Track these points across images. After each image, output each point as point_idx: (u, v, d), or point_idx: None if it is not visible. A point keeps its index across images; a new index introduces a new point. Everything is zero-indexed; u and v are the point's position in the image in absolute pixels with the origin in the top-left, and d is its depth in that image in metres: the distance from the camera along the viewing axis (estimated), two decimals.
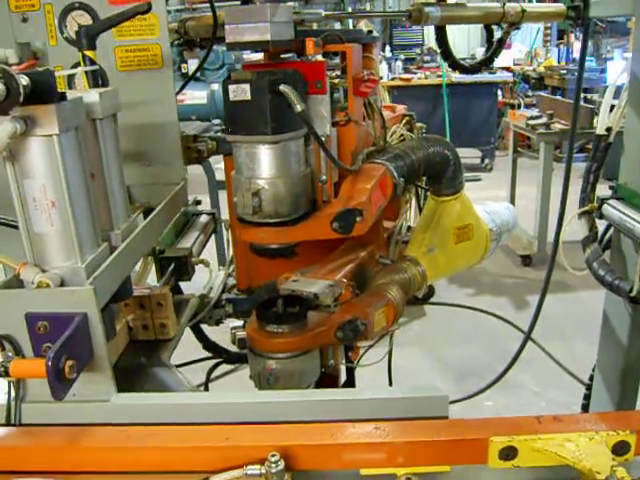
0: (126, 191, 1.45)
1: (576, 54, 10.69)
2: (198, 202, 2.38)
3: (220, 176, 4.73)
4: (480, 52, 9.76)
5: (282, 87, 1.43)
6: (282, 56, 1.74)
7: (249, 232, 1.60)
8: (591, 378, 2.58)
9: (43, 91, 1.06)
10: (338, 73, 1.77)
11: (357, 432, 1.09)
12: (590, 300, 4.29)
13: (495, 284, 5.57)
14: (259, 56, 1.80)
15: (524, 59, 11.41)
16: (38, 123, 1.08)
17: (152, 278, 1.95)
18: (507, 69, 10.39)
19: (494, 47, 2.32)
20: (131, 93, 1.73)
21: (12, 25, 1.71)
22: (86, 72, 1.35)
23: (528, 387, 4.02)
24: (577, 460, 0.99)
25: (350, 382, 2.10)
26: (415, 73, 9.38)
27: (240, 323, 2.15)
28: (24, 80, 1.02)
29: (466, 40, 12.16)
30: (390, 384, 2.47)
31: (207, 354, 2.38)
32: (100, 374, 1.18)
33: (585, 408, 2.62)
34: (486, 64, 2.39)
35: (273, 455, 1.00)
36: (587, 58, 10.53)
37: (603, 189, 2.26)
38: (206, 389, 2.36)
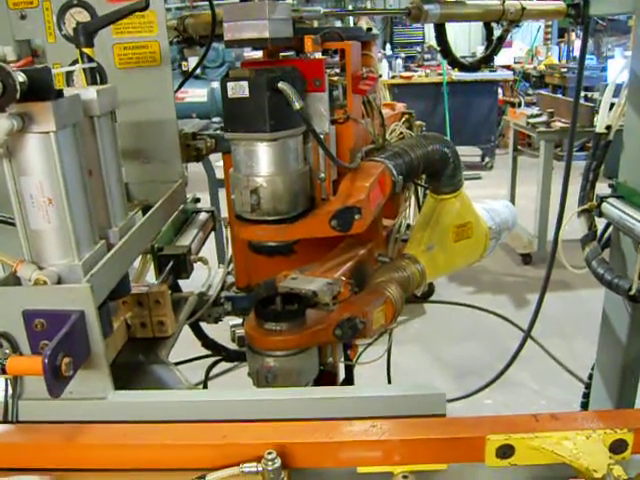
0: (124, 188, 1.45)
1: (577, 52, 10.66)
2: (197, 200, 2.37)
3: (220, 174, 4.73)
4: (481, 50, 9.76)
5: (280, 84, 1.43)
6: (282, 54, 1.74)
7: (247, 230, 1.60)
8: (590, 376, 2.58)
9: (40, 88, 1.05)
10: (337, 71, 1.77)
11: (354, 430, 1.09)
12: (590, 298, 4.30)
13: (495, 282, 5.57)
14: (260, 54, 1.80)
15: (525, 57, 11.40)
16: (35, 120, 1.07)
17: (151, 276, 1.95)
18: (508, 67, 10.39)
19: (494, 45, 2.32)
20: (129, 90, 1.72)
21: (10, 22, 1.70)
22: (84, 69, 1.35)
23: (527, 385, 4.02)
24: (574, 458, 0.99)
25: (349, 380, 2.11)
26: (416, 71, 9.38)
27: (239, 321, 2.16)
28: (21, 77, 1.01)
29: (467, 38, 12.15)
30: (389, 382, 2.47)
31: (206, 352, 2.38)
32: (97, 372, 1.18)
33: (584, 406, 2.62)
34: (486, 62, 2.39)
35: (270, 453, 1.00)
36: (588, 56, 10.53)
37: (603, 187, 2.26)
38: (205, 387, 2.36)
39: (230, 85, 1.46)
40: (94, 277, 1.16)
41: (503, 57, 10.54)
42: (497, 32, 2.38)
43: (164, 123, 1.80)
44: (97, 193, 1.33)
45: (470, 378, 4.02)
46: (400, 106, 2.56)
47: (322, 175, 1.63)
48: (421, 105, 8.37)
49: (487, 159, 9.32)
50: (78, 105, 1.19)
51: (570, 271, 2.23)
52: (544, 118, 5.55)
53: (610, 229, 2.29)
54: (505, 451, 1.03)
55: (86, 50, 1.34)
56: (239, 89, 1.45)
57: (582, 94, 6.59)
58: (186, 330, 2.13)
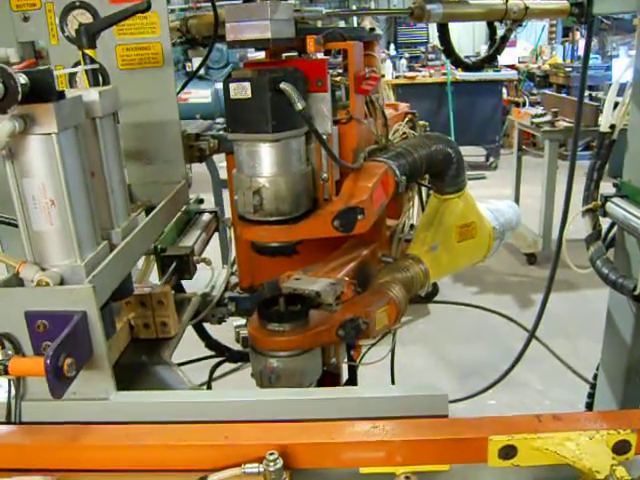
0: (126, 189, 1.45)
1: (581, 52, 10.63)
2: (200, 201, 2.38)
3: (224, 174, 4.74)
4: (485, 49, 9.73)
5: (282, 85, 1.43)
6: (285, 54, 1.74)
7: (250, 230, 1.60)
8: (595, 377, 2.57)
9: (42, 90, 1.06)
10: (340, 71, 1.77)
11: (356, 431, 1.09)
12: (595, 298, 4.28)
13: (499, 282, 5.56)
14: (264, 54, 1.80)
15: (529, 57, 11.38)
16: (37, 122, 1.08)
17: (155, 277, 1.95)
18: (512, 67, 10.36)
19: (497, 44, 2.31)
20: (132, 91, 1.73)
21: (13, 24, 1.71)
22: (86, 71, 1.35)
23: (532, 386, 4.01)
24: (577, 459, 0.99)
25: (352, 380, 2.10)
26: (420, 71, 9.37)
27: (244, 321, 2.15)
28: (23, 79, 1.02)
29: (471, 37, 12.12)
30: (393, 382, 2.47)
31: (210, 353, 2.38)
32: (100, 372, 1.18)
33: (589, 407, 2.61)
34: (489, 61, 2.38)
35: (271, 453, 1.00)
36: (592, 56, 10.50)
37: (608, 187, 2.25)
38: (209, 388, 2.36)
39: (232, 86, 1.46)
40: (96, 278, 1.16)
41: (507, 57, 10.52)
42: (501, 32, 2.38)
43: (167, 124, 1.81)
44: (99, 194, 1.33)
45: (474, 378, 4.01)
46: (403, 106, 2.56)
47: (325, 175, 1.63)
48: (425, 105, 8.37)
49: (491, 159, 9.30)
50: (80, 107, 1.19)
51: (575, 271, 2.22)
52: (548, 118, 5.53)
53: (615, 229, 2.28)
54: (508, 452, 1.03)
55: (88, 51, 1.34)
56: (241, 90, 1.45)
57: (586, 93, 6.57)
58: (190, 331, 2.14)
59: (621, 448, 1.02)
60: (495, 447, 1.02)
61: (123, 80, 1.73)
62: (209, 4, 1.94)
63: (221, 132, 2.17)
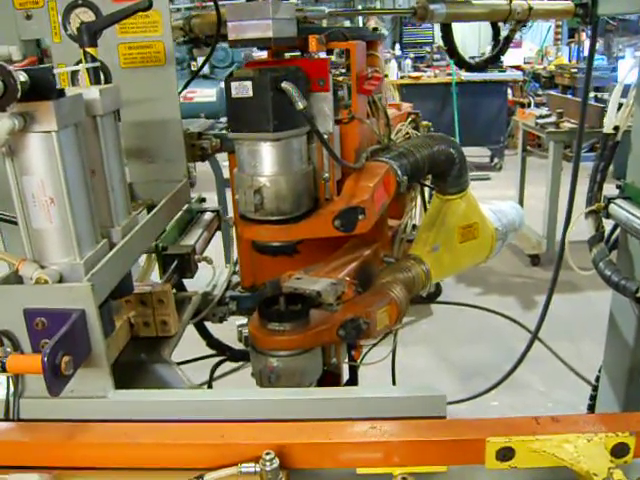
0: (127, 188, 1.45)
1: (587, 52, 10.61)
2: (203, 199, 2.38)
3: (227, 174, 4.74)
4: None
5: (284, 84, 1.43)
6: (289, 54, 1.74)
7: (251, 229, 1.60)
8: (597, 379, 2.57)
9: (42, 88, 1.06)
10: (343, 70, 1.77)
11: (353, 431, 1.08)
12: (599, 300, 4.26)
13: (503, 283, 5.55)
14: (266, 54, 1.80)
15: (535, 57, 11.35)
16: (37, 119, 1.08)
17: (156, 275, 1.95)
18: (517, 67, 10.34)
19: (500, 45, 2.31)
20: (134, 90, 1.74)
21: (16, 22, 1.71)
22: (87, 69, 1.35)
23: (535, 387, 4.00)
24: (575, 462, 0.98)
25: (353, 381, 2.10)
26: (425, 71, 9.36)
27: (247, 320, 2.15)
28: (22, 77, 1.02)
29: (477, 38, 12.09)
30: (394, 383, 2.46)
31: (211, 352, 2.38)
32: (98, 370, 1.18)
33: (591, 409, 2.60)
34: (492, 62, 2.38)
35: (268, 453, 0.99)
36: (598, 57, 10.47)
37: (614, 188, 2.24)
38: (210, 387, 2.36)
39: (234, 85, 1.46)
40: (95, 276, 1.17)
41: (513, 57, 10.49)
42: (505, 32, 2.38)
43: (168, 123, 1.81)
44: (100, 192, 1.33)
45: (477, 379, 4.00)
46: (406, 106, 2.55)
47: (326, 175, 1.63)
48: (430, 105, 8.35)
49: (496, 160, 9.29)
50: (80, 105, 1.19)
51: (578, 272, 2.21)
52: (553, 119, 5.51)
53: (618, 230, 2.27)
54: (505, 454, 1.02)
55: (89, 50, 1.34)
56: (243, 89, 1.46)
57: (592, 94, 6.56)
58: (191, 330, 2.14)
59: (620, 451, 1.02)
60: (493, 449, 1.02)
61: (125, 78, 1.73)
62: (223, 2, 1.93)
63: (223, 131, 2.17)
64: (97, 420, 1.18)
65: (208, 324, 2.22)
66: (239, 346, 2.16)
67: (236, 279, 2.22)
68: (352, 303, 1.66)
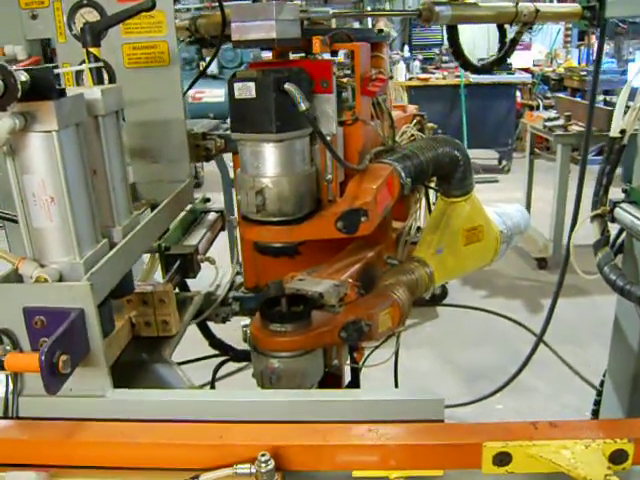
0: (129, 188, 1.46)
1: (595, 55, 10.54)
2: (207, 200, 2.38)
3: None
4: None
5: (287, 86, 1.43)
6: (295, 55, 1.74)
7: (253, 230, 1.60)
8: (602, 384, 2.55)
9: (42, 87, 1.06)
10: (348, 72, 1.76)
11: (350, 434, 1.08)
12: (605, 304, 4.24)
13: (509, 286, 5.53)
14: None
15: (544, 60, 11.30)
16: (37, 119, 1.08)
17: (159, 275, 1.95)
18: (526, 70, 10.30)
19: (506, 47, 2.30)
20: (138, 90, 1.74)
21: (22, 22, 1.72)
22: (90, 69, 1.36)
23: (540, 391, 3.98)
24: (572, 468, 0.98)
25: (354, 383, 2.10)
26: (433, 73, 9.34)
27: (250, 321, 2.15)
28: (23, 76, 1.02)
29: (486, 39, 12.06)
30: (396, 385, 2.45)
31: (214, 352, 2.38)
32: (96, 369, 1.18)
33: (595, 414, 2.59)
34: (498, 64, 2.37)
35: (263, 455, 0.99)
36: (608, 60, 10.40)
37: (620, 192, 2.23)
38: (212, 387, 2.36)
39: (237, 86, 1.46)
40: (94, 275, 1.17)
41: (522, 60, 10.45)
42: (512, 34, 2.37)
43: (172, 123, 1.81)
44: (101, 192, 1.33)
45: (482, 382, 3.99)
46: (412, 108, 2.55)
47: (329, 176, 1.63)
48: (438, 107, 8.34)
49: (504, 162, 9.25)
50: (81, 104, 1.20)
51: (583, 277, 2.20)
52: (561, 121, 5.49)
53: (623, 235, 2.26)
54: (502, 458, 1.02)
55: (92, 50, 1.35)
56: (246, 90, 1.46)
57: (601, 98, 6.51)
58: (195, 330, 2.14)
59: (618, 458, 1.01)
60: (489, 453, 1.01)
61: (129, 79, 1.73)
62: (226, 4, 1.93)
63: (228, 132, 2.17)
64: (96, 419, 1.18)
65: (212, 324, 2.23)
66: (243, 346, 2.16)
67: (240, 280, 2.22)
68: (354, 305, 1.66)
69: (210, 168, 5.39)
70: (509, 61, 9.15)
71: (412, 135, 2.35)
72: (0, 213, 1.34)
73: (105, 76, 1.59)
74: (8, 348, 1.14)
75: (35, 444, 1.12)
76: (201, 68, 8.68)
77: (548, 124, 5.53)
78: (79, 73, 1.67)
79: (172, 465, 1.08)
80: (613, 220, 2.19)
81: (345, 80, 1.74)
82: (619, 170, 2.21)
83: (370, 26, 8.17)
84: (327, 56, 1.75)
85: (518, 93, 9.43)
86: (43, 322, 1.11)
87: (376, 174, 1.69)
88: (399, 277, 1.86)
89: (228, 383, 3.42)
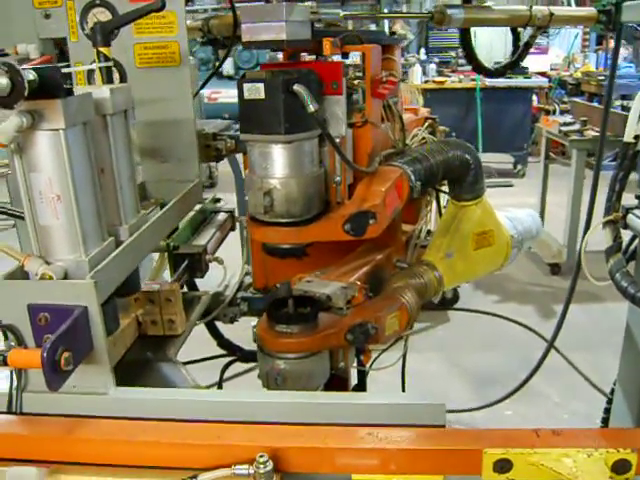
0: (136, 187, 1.46)
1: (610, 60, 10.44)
2: (217, 200, 2.39)
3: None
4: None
5: (295, 87, 1.43)
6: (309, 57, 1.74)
7: (260, 231, 1.60)
8: (612, 392, 2.52)
9: (50, 86, 1.07)
10: (358, 74, 1.76)
11: (350, 437, 1.08)
12: (618, 311, 4.20)
13: (521, 292, 5.49)
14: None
15: (561, 64, 11.21)
16: (45, 117, 1.09)
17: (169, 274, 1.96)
18: (543, 74, 10.22)
19: (520, 51, 2.28)
20: (149, 90, 1.75)
21: (35, 21, 1.73)
22: (100, 68, 1.37)
23: (551, 398, 3.94)
24: (573, 476, 0.97)
25: (361, 385, 2.09)
26: (449, 76, 9.30)
27: None
28: (31, 75, 1.03)
29: (504, 43, 12.00)
30: (403, 389, 2.45)
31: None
32: (99, 367, 1.19)
33: (605, 422, 2.56)
34: (511, 68, 2.35)
35: (261, 456, 0.99)
36: (627, 64, 10.30)
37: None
38: (220, 387, 2.36)
39: (246, 86, 1.46)
40: (99, 273, 1.17)
41: (539, 64, 10.38)
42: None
43: (182, 123, 1.81)
44: (108, 191, 1.34)
45: (492, 388, 3.96)
46: (424, 111, 2.54)
47: (337, 178, 1.62)
48: (454, 111, 8.31)
49: (519, 167, 9.19)
50: (89, 103, 1.20)
51: (595, 283, 2.18)
52: (577, 126, 5.44)
53: (636, 241, 2.23)
54: (503, 465, 1.01)
55: (103, 49, 1.36)
56: (255, 91, 1.46)
57: (619, 103, 6.45)
58: (204, 330, 2.15)
59: (621, 468, 1.00)
60: (490, 460, 1.00)
61: (140, 78, 1.74)
62: (242, 4, 1.94)
63: (238, 132, 2.17)
64: (98, 416, 1.19)
65: (220, 325, 2.23)
66: (251, 347, 2.16)
67: (249, 280, 2.22)
68: (361, 307, 1.66)
69: (225, 168, 5.39)
70: (525, 65, 9.10)
71: (423, 138, 2.34)
72: (8, 210, 1.35)
73: (116, 75, 1.61)
74: (13, 344, 1.15)
75: (37, 440, 1.13)
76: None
77: (564, 129, 5.48)
78: (91, 72, 1.68)
79: (171, 464, 1.08)
80: (626, 227, 2.17)
81: (356, 82, 1.74)
82: (635, 176, 2.19)
83: (387, 29, 8.17)
84: (338, 58, 1.74)
85: (535, 97, 9.36)
86: (47, 319, 1.12)
87: (385, 177, 1.68)
88: (408, 280, 1.86)
89: (236, 384, 3.43)
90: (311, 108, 1.42)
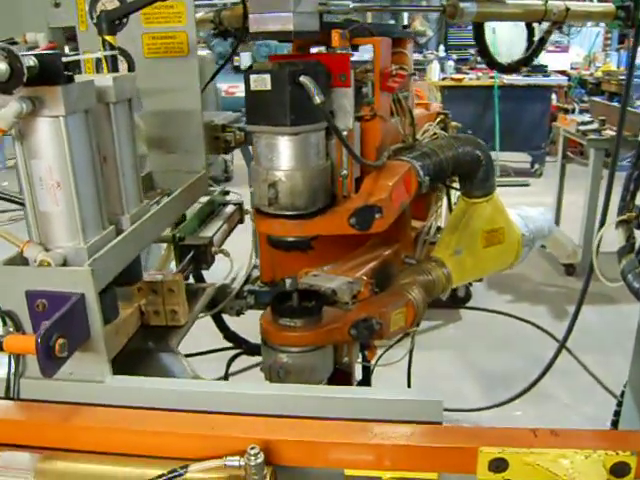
0: (139, 176, 1.46)
1: (637, 59, 10.30)
2: (226, 192, 2.38)
3: None
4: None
5: (302, 78, 1.42)
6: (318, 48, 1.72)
7: (265, 223, 1.59)
8: (622, 394, 2.49)
9: (51, 72, 1.07)
10: (368, 67, 1.74)
11: (343, 431, 1.07)
12: (632, 313, 4.14)
13: (535, 292, 5.43)
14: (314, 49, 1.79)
15: (582, 63, 11.07)
16: (45, 104, 1.09)
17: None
18: (563, 73, 10.10)
19: (534, 47, 2.25)
20: (157, 80, 1.75)
21: (45, 10, 1.74)
22: (105, 57, 1.36)
23: (561, 399, 3.90)
24: (569, 478, 0.95)
25: (365, 381, 2.08)
26: (467, 73, 9.23)
27: None
28: (32, 61, 1.03)
29: (524, 40, 11.86)
30: (409, 385, 2.43)
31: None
32: (96, 355, 1.19)
33: (615, 425, 2.52)
34: (525, 64, 2.32)
35: (252, 448, 0.99)
36: None
37: None
38: (225, 379, 2.36)
39: (253, 78, 1.45)
40: (97, 261, 1.17)
41: (559, 62, 10.27)
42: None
43: (189, 113, 1.81)
44: (111, 179, 1.34)
45: (502, 388, 3.92)
46: (435, 106, 2.52)
47: (344, 172, 1.61)
48: (471, 108, 8.24)
49: (537, 166, 9.08)
50: (90, 91, 1.20)
51: (607, 284, 2.14)
52: (595, 125, 5.36)
53: None
54: (498, 465, 0.99)
55: (108, 38, 1.35)
56: (261, 82, 1.45)
57: (639, 102, 6.35)
58: (210, 322, 2.15)
59: (619, 470, 0.97)
60: (485, 459, 0.99)
61: (148, 68, 1.74)
62: None
63: None
64: (93, 404, 1.19)
65: (231, 318, 2.23)
66: (258, 340, 2.16)
67: (256, 273, 2.22)
68: (367, 303, 1.65)
69: (240, 162, 5.38)
70: (545, 63, 8.98)
71: (434, 133, 2.32)
72: (8, 196, 1.35)
73: (124, 65, 1.61)
74: (11, 330, 1.15)
75: (33, 426, 1.14)
76: (235, 62, 8.72)
77: (581, 128, 5.41)
78: (99, 61, 1.68)
79: (164, 453, 1.08)
80: (639, 227, 2.13)
81: (365, 75, 1.72)
82: None
83: (405, 24, 8.10)
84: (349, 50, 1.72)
85: (554, 96, 9.25)
86: (45, 305, 1.12)
87: (393, 171, 1.67)
88: (415, 277, 1.84)
89: (245, 377, 3.43)
90: (317, 100, 1.41)
